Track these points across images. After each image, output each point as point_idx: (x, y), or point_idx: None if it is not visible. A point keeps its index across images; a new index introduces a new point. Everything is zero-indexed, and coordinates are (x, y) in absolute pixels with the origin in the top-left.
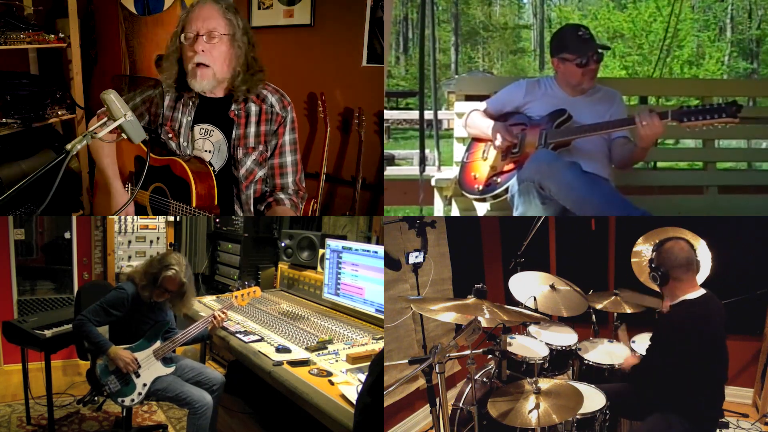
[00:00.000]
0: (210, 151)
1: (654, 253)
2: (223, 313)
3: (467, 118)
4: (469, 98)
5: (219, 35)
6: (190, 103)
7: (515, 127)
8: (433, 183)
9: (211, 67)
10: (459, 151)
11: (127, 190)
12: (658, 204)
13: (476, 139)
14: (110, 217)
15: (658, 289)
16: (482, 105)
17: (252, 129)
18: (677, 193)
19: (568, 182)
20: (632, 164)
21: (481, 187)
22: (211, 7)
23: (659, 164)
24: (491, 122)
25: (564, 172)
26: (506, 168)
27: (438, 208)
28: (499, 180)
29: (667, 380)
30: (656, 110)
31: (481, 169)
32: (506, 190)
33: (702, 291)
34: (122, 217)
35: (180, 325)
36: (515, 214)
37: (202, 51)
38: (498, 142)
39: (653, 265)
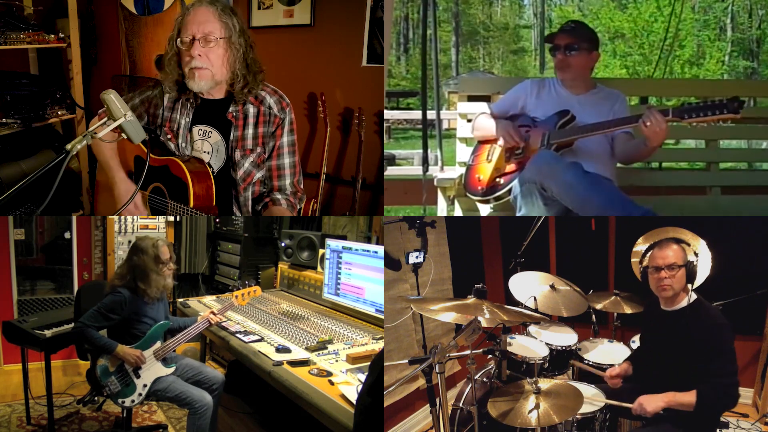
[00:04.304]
0: (208, 152)
1: (644, 257)
2: (220, 313)
3: (474, 122)
4: (471, 98)
5: (215, 39)
6: (189, 105)
7: (520, 128)
8: (435, 183)
9: (208, 70)
10: (462, 151)
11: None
12: (660, 204)
13: (482, 142)
14: (110, 217)
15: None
16: (488, 108)
17: (250, 131)
18: (680, 193)
19: (569, 183)
20: (638, 161)
21: (484, 189)
22: (207, 10)
23: (663, 164)
24: (497, 122)
25: (565, 172)
26: (509, 169)
27: (441, 208)
28: (501, 181)
29: (673, 381)
30: (656, 109)
31: (485, 171)
32: (509, 192)
33: (695, 294)
34: (122, 217)
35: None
36: (518, 214)
37: (199, 55)
38: (501, 142)
39: (642, 268)
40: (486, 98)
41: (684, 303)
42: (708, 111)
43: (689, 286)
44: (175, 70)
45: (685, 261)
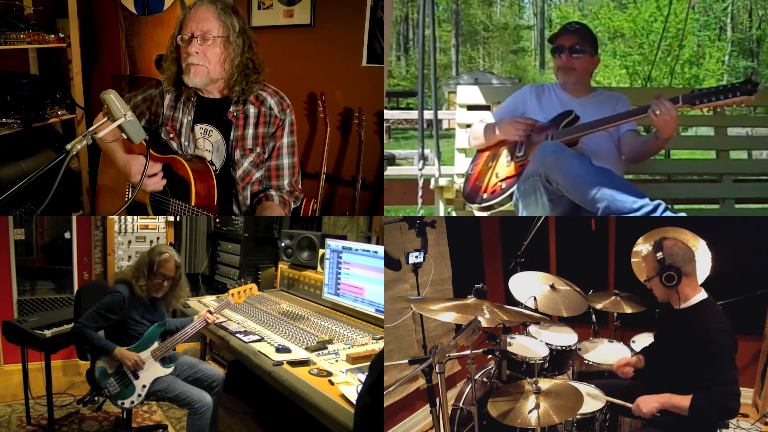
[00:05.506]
0: (209, 151)
1: (660, 254)
2: (217, 311)
3: (471, 131)
4: (471, 108)
5: (213, 37)
6: (190, 103)
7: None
8: (432, 185)
9: (204, 67)
10: (460, 160)
11: (128, 190)
12: None
13: (481, 151)
14: (110, 217)
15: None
16: (486, 117)
17: (250, 131)
18: (694, 203)
19: (577, 172)
20: (648, 157)
21: (486, 195)
22: (207, 9)
23: (673, 175)
24: (498, 124)
25: (572, 162)
26: (511, 173)
27: (438, 209)
28: (503, 186)
29: (673, 382)
30: (665, 98)
31: (486, 178)
32: (511, 196)
33: (705, 293)
34: (122, 217)
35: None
36: (521, 215)
37: (196, 52)
38: (518, 134)
39: (666, 264)
40: (486, 107)
41: (689, 302)
42: (720, 95)
43: (679, 289)
44: (173, 65)
45: (656, 271)
